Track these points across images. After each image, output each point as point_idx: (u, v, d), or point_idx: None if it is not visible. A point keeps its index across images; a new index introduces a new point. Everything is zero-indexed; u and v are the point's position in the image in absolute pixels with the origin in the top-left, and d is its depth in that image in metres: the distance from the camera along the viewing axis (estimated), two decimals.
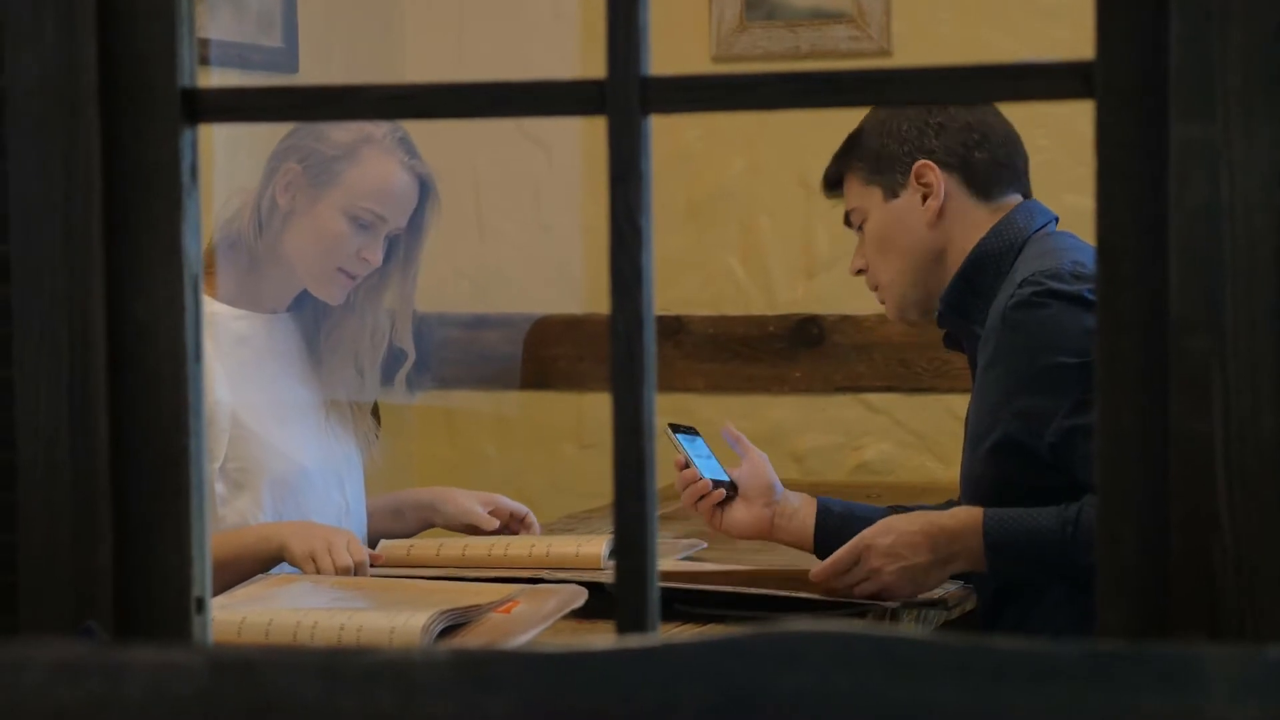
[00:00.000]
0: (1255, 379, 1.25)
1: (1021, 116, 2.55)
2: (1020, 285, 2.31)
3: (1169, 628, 1.27)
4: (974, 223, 2.45)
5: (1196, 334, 1.26)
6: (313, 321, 2.82)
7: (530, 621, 2.20)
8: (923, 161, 2.46)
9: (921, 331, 3.93)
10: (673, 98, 1.38)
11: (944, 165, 2.46)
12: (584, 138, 4.05)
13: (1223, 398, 1.25)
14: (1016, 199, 2.48)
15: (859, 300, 3.95)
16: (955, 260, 2.45)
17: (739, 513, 2.56)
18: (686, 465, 2.58)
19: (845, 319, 3.97)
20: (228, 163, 3.48)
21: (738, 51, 3.96)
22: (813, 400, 4.00)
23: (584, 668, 1.16)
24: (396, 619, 2.12)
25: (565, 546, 2.59)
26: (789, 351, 4.00)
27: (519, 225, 4.16)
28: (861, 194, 2.52)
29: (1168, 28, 1.25)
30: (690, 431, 2.67)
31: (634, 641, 1.19)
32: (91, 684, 1.18)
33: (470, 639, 2.16)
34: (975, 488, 2.39)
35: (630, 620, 1.34)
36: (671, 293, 4.00)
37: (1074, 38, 3.49)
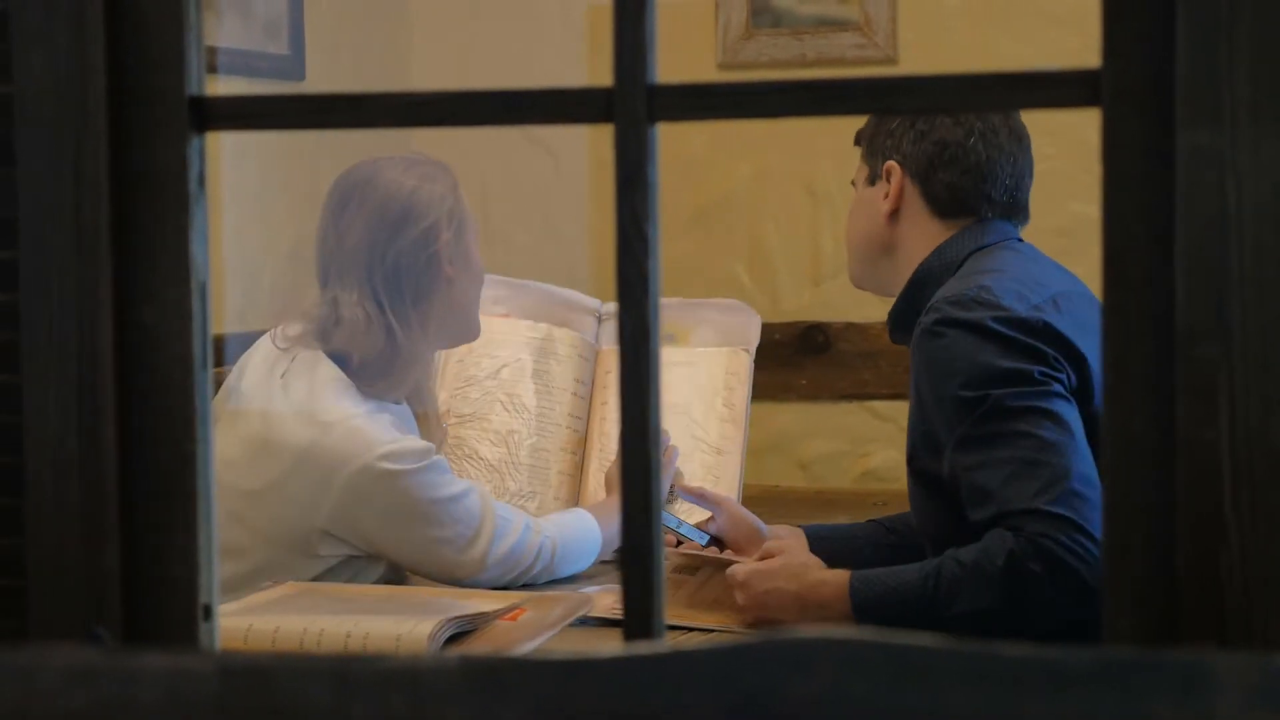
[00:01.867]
0: (1263, 387, 1.25)
1: (1028, 124, 2.54)
2: (926, 312, 2.34)
3: (1177, 635, 1.27)
4: (926, 233, 2.48)
5: (1204, 342, 1.26)
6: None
7: (537, 628, 2.20)
8: (892, 162, 2.49)
9: None
10: (679, 106, 1.38)
11: (908, 172, 2.48)
12: (591, 144, 4.06)
13: (1230, 406, 1.25)
14: (972, 219, 2.48)
15: (865, 308, 3.96)
16: (904, 262, 2.48)
17: (742, 567, 2.45)
18: (678, 543, 2.62)
19: (851, 326, 3.97)
20: (232, 170, 3.49)
21: (744, 59, 3.96)
22: (818, 407, 4.00)
23: (595, 675, 1.16)
24: (403, 626, 2.12)
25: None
26: (795, 359, 4.00)
27: (526, 231, 4.17)
28: (860, 167, 2.57)
29: (1175, 35, 1.25)
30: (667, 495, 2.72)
31: (644, 649, 1.19)
32: (104, 689, 1.18)
33: (476, 646, 2.16)
34: (910, 494, 2.43)
35: (638, 627, 1.34)
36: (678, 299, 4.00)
37: (1082, 45, 3.49)
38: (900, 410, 3.97)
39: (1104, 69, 1.28)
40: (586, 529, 2.68)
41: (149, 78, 1.41)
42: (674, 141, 3.91)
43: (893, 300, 2.54)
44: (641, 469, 1.35)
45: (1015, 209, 2.48)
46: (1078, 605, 2.15)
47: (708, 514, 2.68)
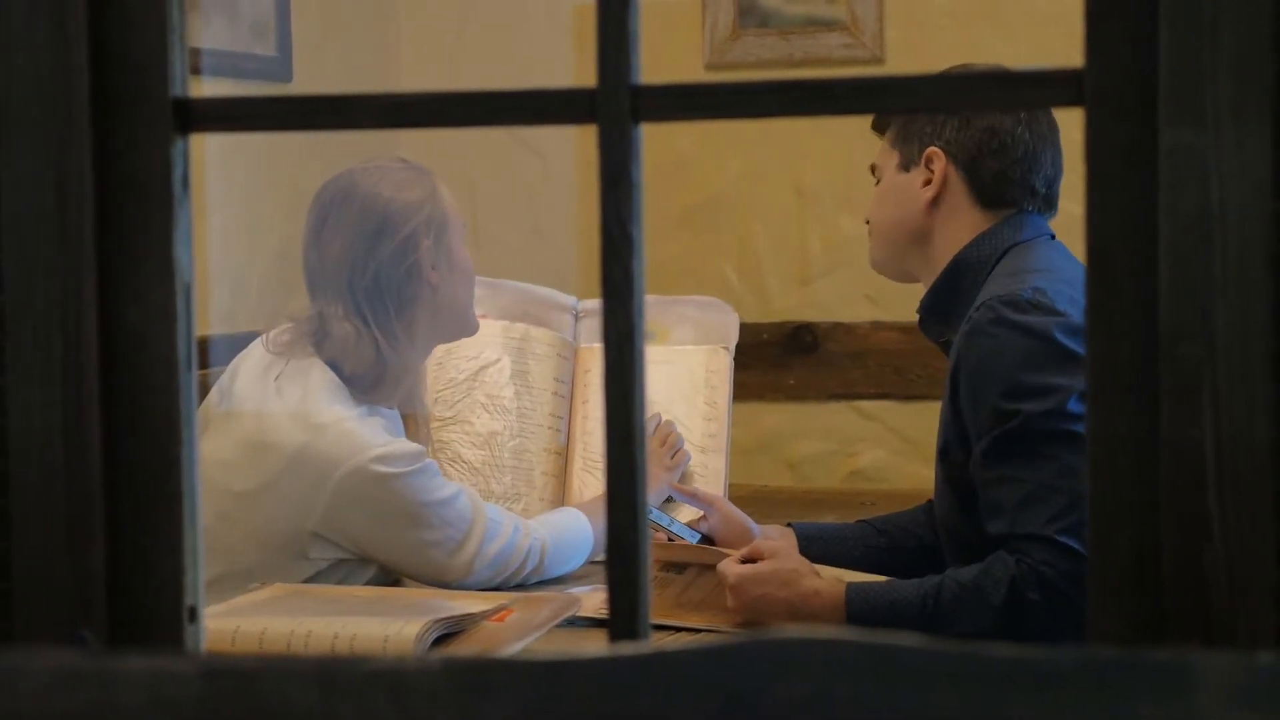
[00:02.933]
0: (1247, 385, 1.25)
1: None
2: (978, 307, 2.31)
3: (1162, 635, 1.27)
4: (967, 223, 2.44)
5: (1188, 341, 1.26)
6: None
7: (524, 629, 2.20)
8: (934, 148, 2.45)
9: (915, 339, 3.94)
10: (664, 106, 1.38)
11: (952, 159, 2.45)
12: (579, 145, 4.06)
13: (1214, 405, 1.26)
14: (1012, 210, 2.46)
15: (853, 308, 3.96)
16: (940, 251, 2.45)
17: (734, 569, 2.44)
18: (670, 540, 2.61)
19: (839, 326, 3.97)
20: (220, 172, 3.48)
21: (731, 59, 3.97)
22: (806, 407, 4.00)
23: (580, 676, 1.16)
24: (390, 628, 2.12)
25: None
26: (783, 359, 4.01)
27: (514, 231, 4.17)
28: (886, 152, 2.53)
29: (1157, 35, 1.26)
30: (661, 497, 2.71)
31: (629, 649, 1.19)
32: (88, 692, 1.18)
33: (464, 647, 2.16)
34: (935, 485, 2.42)
35: (623, 628, 1.34)
36: None
37: (1069, 44, 3.49)
38: (887, 410, 3.97)
39: (1087, 69, 1.28)
40: (578, 528, 2.69)
41: (133, 79, 1.41)
42: (661, 142, 3.91)
43: (903, 285, 2.52)
44: (626, 471, 1.35)
45: (1050, 202, 2.46)
46: (1075, 636, 2.14)
47: (699, 513, 2.68)
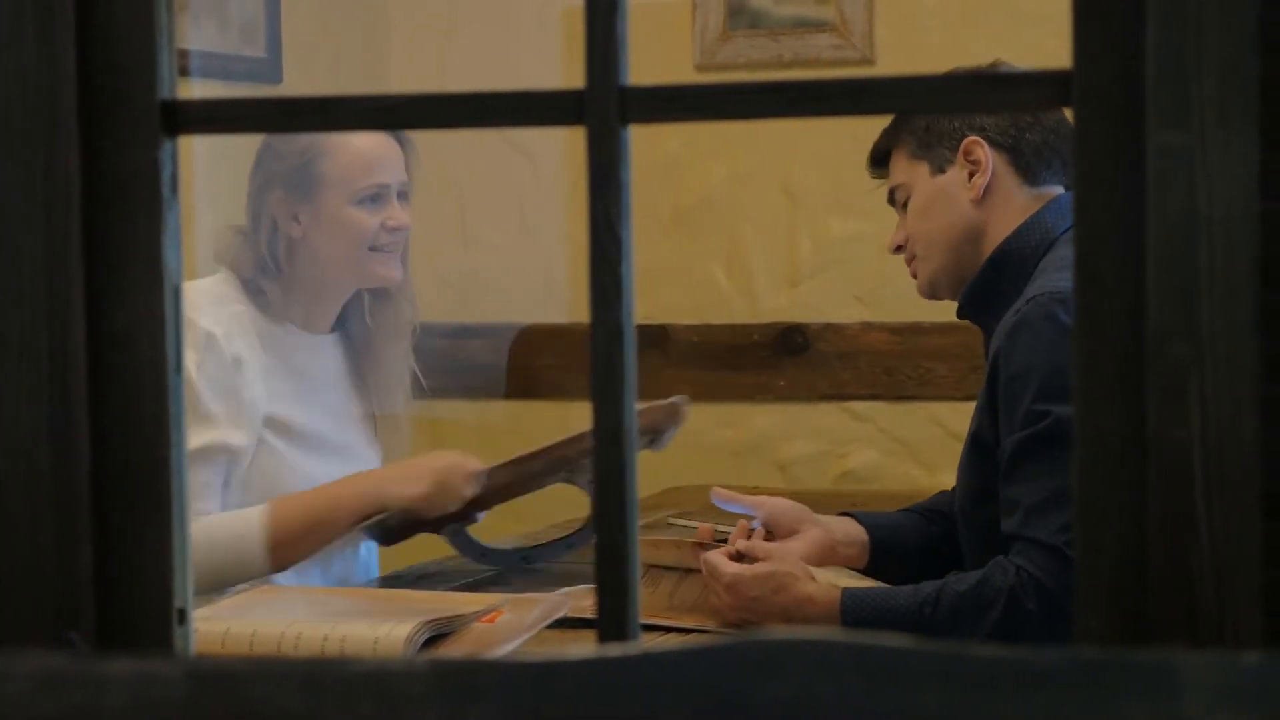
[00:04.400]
0: (1233, 386, 1.25)
1: None
2: (1029, 300, 2.28)
3: (1148, 634, 1.27)
4: (1017, 206, 2.41)
5: (1175, 341, 1.26)
6: (359, 340, 2.83)
7: (514, 631, 2.20)
8: (972, 138, 2.42)
9: (905, 340, 3.94)
10: (651, 107, 1.38)
11: (994, 144, 2.42)
12: (568, 146, 4.06)
13: (1201, 404, 1.26)
14: (1058, 189, 2.44)
15: (843, 308, 3.97)
16: (992, 243, 2.42)
17: (795, 543, 2.46)
18: (708, 543, 2.54)
19: (829, 327, 3.98)
20: (208, 174, 3.48)
21: (721, 60, 3.97)
22: (797, 408, 4.01)
23: (566, 677, 1.16)
24: (380, 629, 2.12)
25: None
26: (773, 360, 4.01)
27: (504, 234, 4.17)
28: (908, 169, 2.48)
29: (1144, 36, 1.26)
30: (688, 515, 2.65)
31: (616, 651, 1.19)
32: (73, 695, 1.18)
33: (454, 649, 2.16)
34: (959, 471, 2.40)
35: (611, 630, 1.34)
36: (656, 302, 4.01)
37: (1058, 45, 3.49)
38: (878, 411, 3.98)
39: (1075, 70, 1.28)
40: (214, 542, 2.51)
41: (120, 81, 1.41)
42: (650, 144, 3.91)
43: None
44: (615, 472, 1.35)
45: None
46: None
47: (749, 516, 2.62)
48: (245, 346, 2.66)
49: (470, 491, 2.57)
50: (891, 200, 2.53)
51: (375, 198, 2.73)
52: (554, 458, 2.68)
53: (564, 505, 3.82)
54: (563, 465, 2.66)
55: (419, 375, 2.92)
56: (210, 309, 2.67)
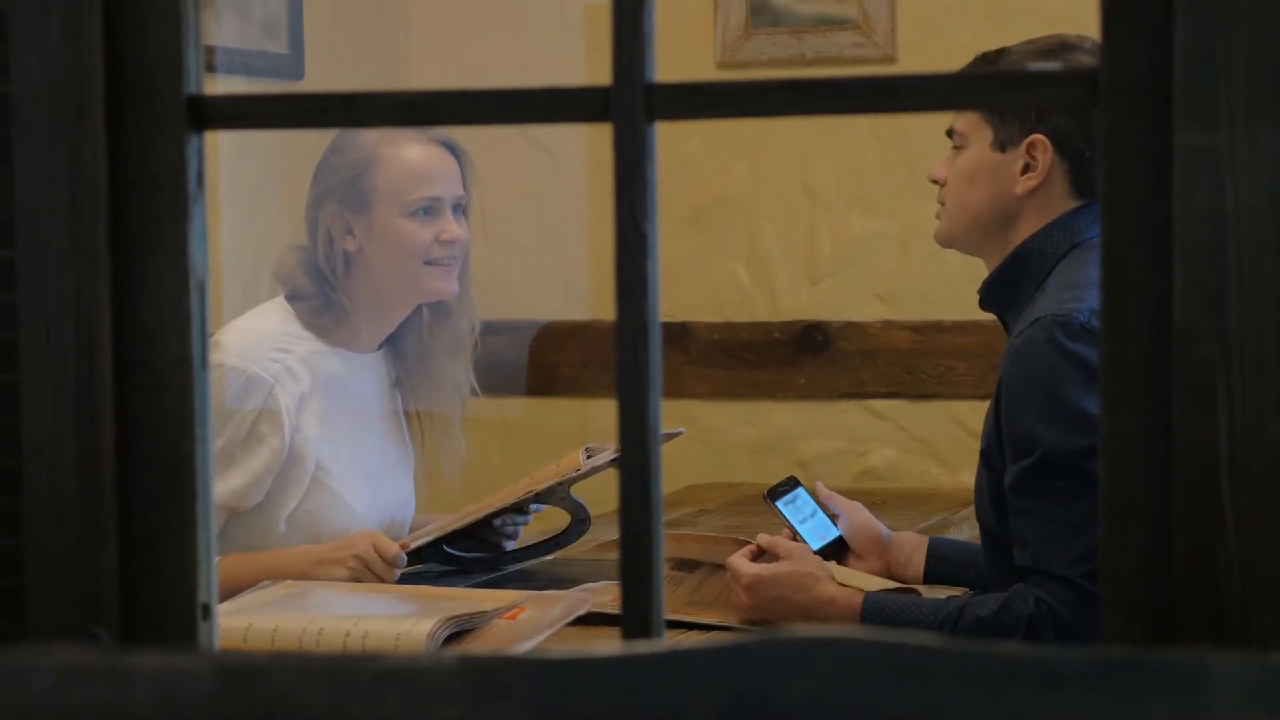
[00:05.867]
0: (1260, 385, 1.25)
1: None
2: (1032, 323, 2.25)
3: (1174, 634, 1.27)
4: (1057, 212, 2.36)
5: (1201, 341, 1.26)
6: (412, 353, 2.82)
7: (536, 627, 2.20)
8: (1040, 136, 2.35)
9: (926, 338, 3.94)
10: (678, 104, 1.38)
11: (1059, 148, 2.35)
12: (589, 143, 4.06)
13: (1227, 404, 1.25)
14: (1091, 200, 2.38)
15: (863, 306, 3.96)
16: (1021, 235, 2.37)
17: (749, 567, 2.41)
18: (794, 538, 2.49)
19: (850, 325, 3.97)
20: (233, 169, 3.48)
21: (743, 58, 3.96)
22: (817, 406, 4.00)
23: (591, 674, 1.16)
24: (402, 625, 2.12)
25: (546, 470, 2.70)
26: (793, 358, 4.00)
27: (524, 231, 4.17)
28: (974, 123, 2.42)
29: (1173, 35, 1.25)
30: (788, 487, 2.58)
31: (641, 648, 1.19)
32: (99, 689, 1.18)
33: (476, 645, 2.16)
34: (975, 483, 2.39)
35: (636, 626, 1.34)
36: (676, 299, 4.00)
37: None
38: (897, 409, 3.97)
39: (1102, 69, 1.28)
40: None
41: (147, 77, 1.41)
42: (671, 141, 3.91)
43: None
44: (640, 469, 1.35)
45: None
46: None
47: (833, 515, 2.60)
48: (302, 392, 2.67)
49: (390, 575, 2.57)
50: (950, 134, 2.45)
51: (428, 210, 2.72)
52: (476, 522, 2.70)
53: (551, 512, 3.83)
54: (488, 523, 2.73)
55: (475, 386, 2.91)
56: (269, 355, 2.66)
